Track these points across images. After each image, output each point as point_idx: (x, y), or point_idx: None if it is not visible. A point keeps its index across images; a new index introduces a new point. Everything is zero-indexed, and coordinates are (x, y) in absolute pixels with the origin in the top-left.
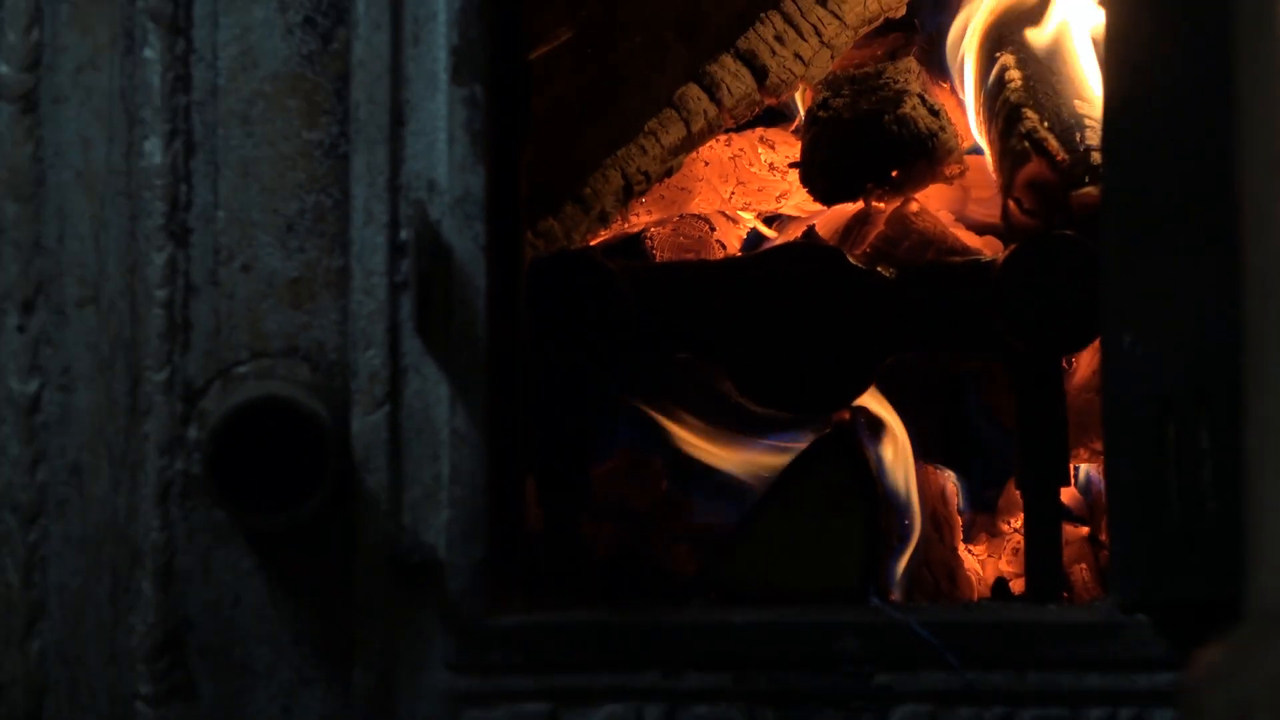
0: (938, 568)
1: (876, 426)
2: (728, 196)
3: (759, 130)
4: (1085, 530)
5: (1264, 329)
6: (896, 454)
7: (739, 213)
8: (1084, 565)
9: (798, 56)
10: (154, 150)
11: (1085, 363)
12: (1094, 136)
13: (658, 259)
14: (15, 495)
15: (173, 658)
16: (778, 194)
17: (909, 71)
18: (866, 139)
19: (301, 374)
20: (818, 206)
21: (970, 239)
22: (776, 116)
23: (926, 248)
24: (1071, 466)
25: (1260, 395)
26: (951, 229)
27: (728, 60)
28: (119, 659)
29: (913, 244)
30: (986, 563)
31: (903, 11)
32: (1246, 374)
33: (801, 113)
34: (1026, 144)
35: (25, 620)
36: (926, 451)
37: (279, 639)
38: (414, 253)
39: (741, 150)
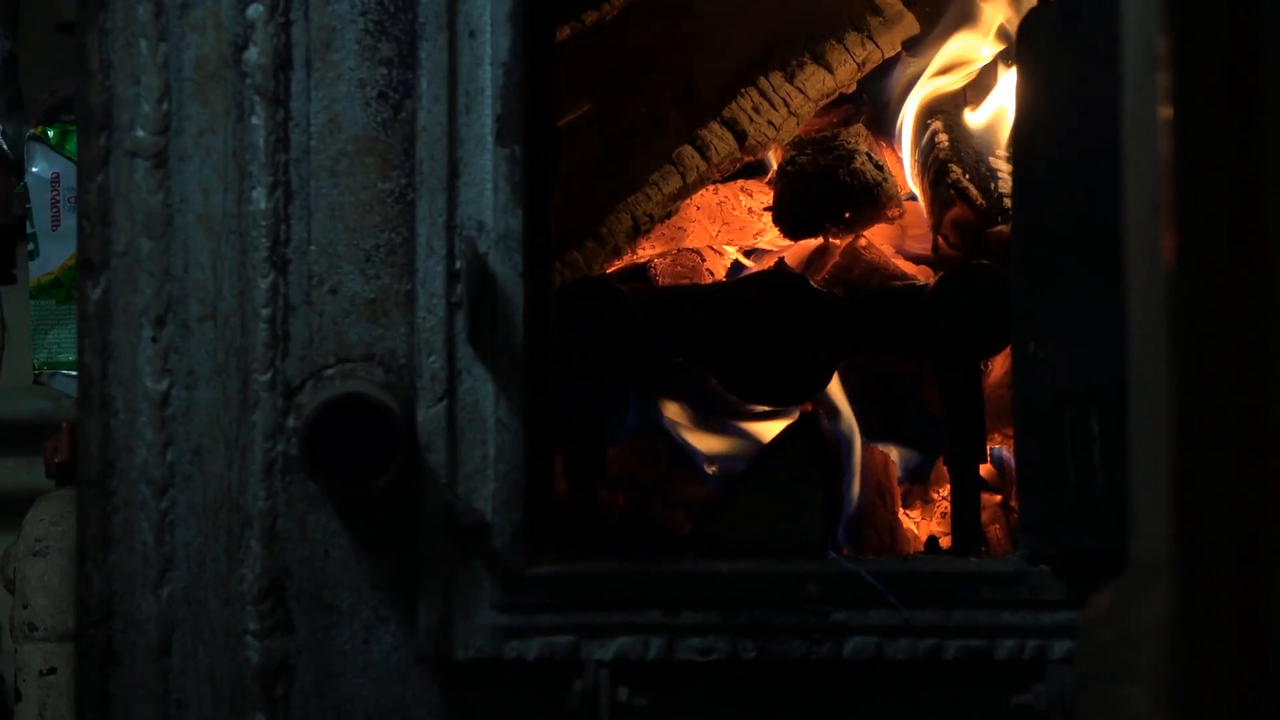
0: (881, 528)
1: (834, 414)
2: (715, 234)
3: (740, 181)
4: (999, 498)
5: (1143, 337)
6: (850, 437)
7: (724, 247)
8: (998, 526)
9: (770, 123)
10: (260, 198)
11: (998, 365)
12: (1005, 186)
13: (659, 284)
14: (150, 472)
15: (275, 600)
16: (755, 232)
17: (858, 135)
18: (825, 188)
19: (377, 375)
20: (786, 242)
21: (908, 267)
22: (754, 170)
23: (873, 274)
24: (988, 448)
25: (1139, 391)
26: (893, 259)
27: (715, 126)
28: (232, 602)
29: (862, 271)
30: (920, 524)
31: (853, 88)
32: (1129, 374)
33: (773, 167)
34: (952, 192)
35: (158, 571)
36: (873, 435)
37: (359, 585)
38: (466, 279)
39: (726, 197)
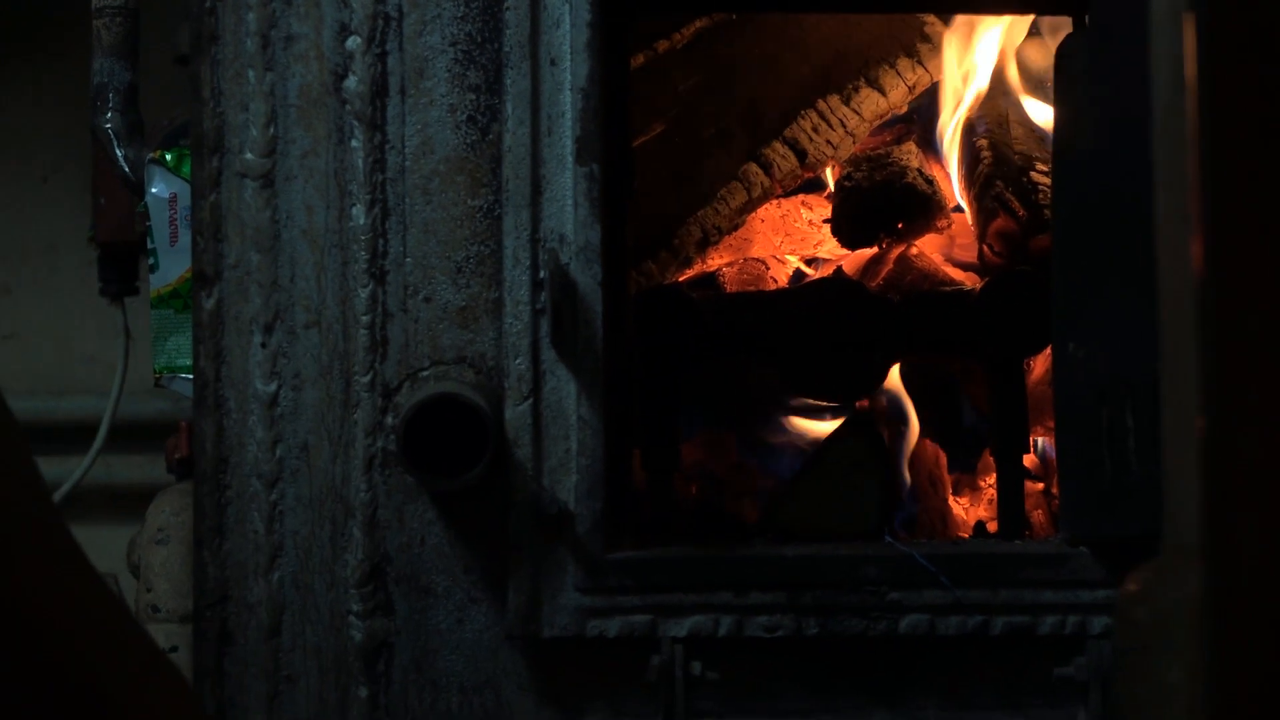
0: (933, 514)
1: (893, 410)
2: (778, 244)
3: (801, 196)
4: (1041, 486)
5: (1175, 338)
6: (908, 431)
7: (786, 256)
8: (1040, 511)
9: (829, 142)
10: (359, 214)
11: (1040, 364)
12: (1045, 198)
13: (727, 291)
14: (260, 467)
15: (376, 584)
16: (815, 242)
17: (909, 152)
18: (879, 201)
19: (468, 377)
20: (843, 251)
21: (956, 274)
22: (813, 185)
23: (924, 281)
24: (1031, 440)
25: (1171, 387)
26: (942, 267)
27: (778, 145)
28: (336, 585)
29: (914, 278)
30: (969, 510)
31: (905, 109)
32: (1161, 371)
33: (831, 183)
34: (996, 204)
35: (269, 557)
36: (926, 429)
37: (453, 570)
38: (549, 287)
39: (788, 211)
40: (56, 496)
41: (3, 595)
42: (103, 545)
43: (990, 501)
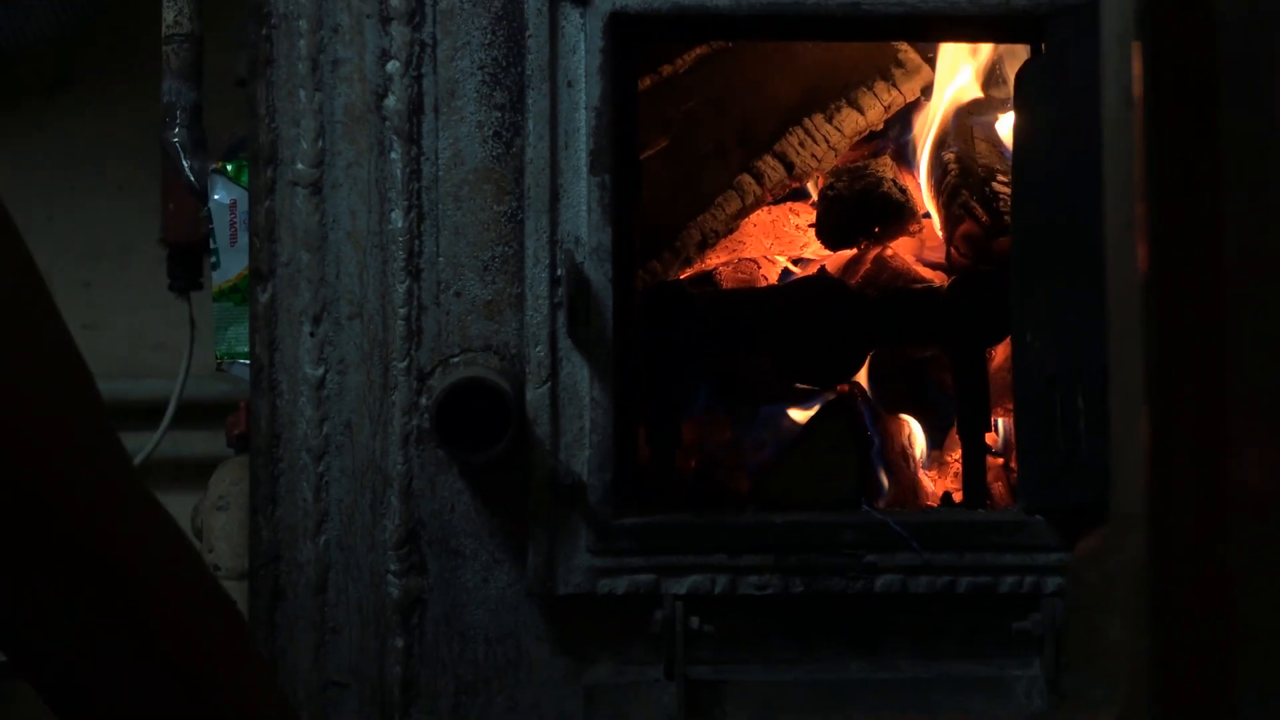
0: (905, 486)
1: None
2: (768, 246)
3: (789, 203)
4: (1001, 461)
5: (1120, 331)
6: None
7: (776, 257)
8: (1001, 483)
9: (814, 156)
10: (397, 218)
11: (1000, 352)
12: (1006, 206)
13: (723, 287)
14: (309, 442)
15: (411, 547)
16: (801, 244)
17: (885, 165)
18: (858, 208)
19: (493, 363)
20: (826, 252)
21: (926, 273)
22: (800, 194)
23: (898, 279)
24: (992, 419)
25: (1118, 375)
26: (914, 266)
27: (768, 158)
28: (376, 547)
29: (889, 276)
30: (937, 482)
31: (881, 127)
32: (1109, 359)
33: (815, 192)
34: (962, 211)
35: (316, 522)
36: (899, 409)
37: (480, 534)
38: (566, 284)
39: (777, 216)
40: None
41: (82, 532)
42: (170, 511)
43: (956, 475)
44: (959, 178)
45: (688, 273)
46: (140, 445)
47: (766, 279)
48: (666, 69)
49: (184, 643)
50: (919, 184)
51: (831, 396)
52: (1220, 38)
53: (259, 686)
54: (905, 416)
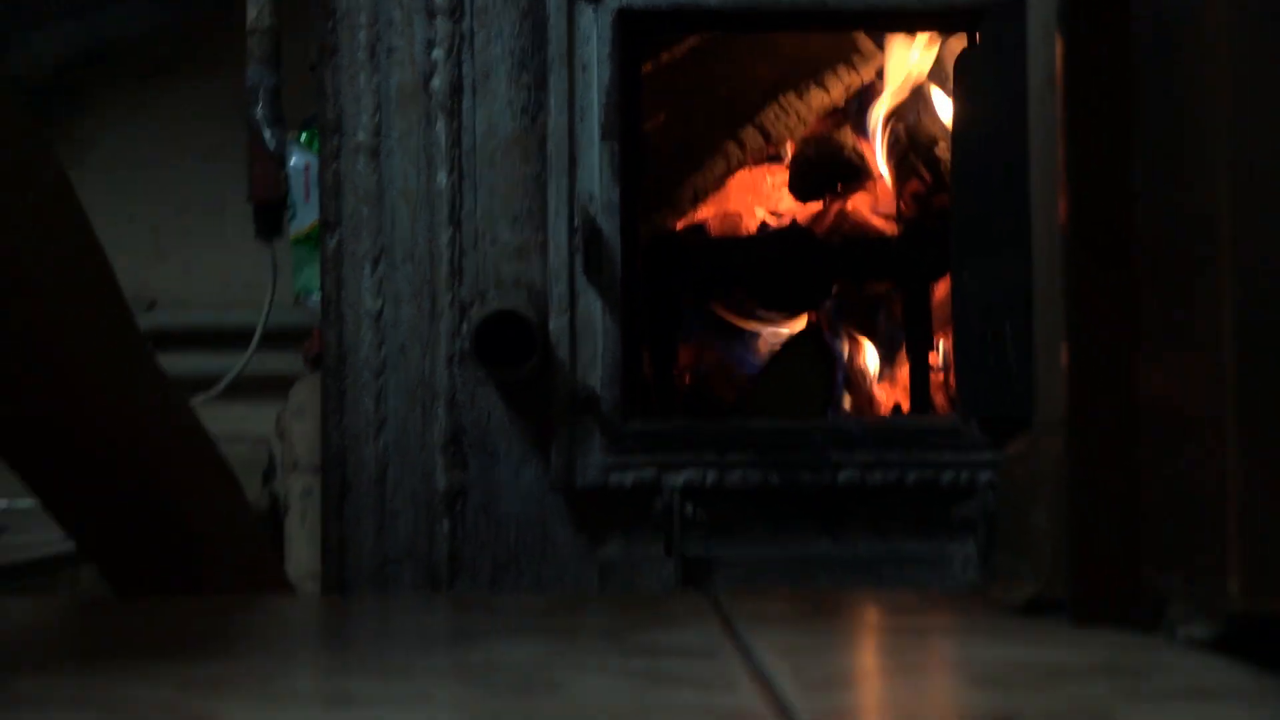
0: (863, 397)
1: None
2: (749, 201)
3: (766, 165)
4: (942, 376)
5: (1042, 274)
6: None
7: (755, 210)
8: (941, 395)
9: (787, 127)
10: (442, 179)
11: (942, 288)
12: (946, 168)
13: (712, 235)
14: (370, 362)
15: (455, 448)
16: (776, 200)
17: (846, 134)
18: (824, 170)
19: (522, 297)
20: (798, 206)
21: (880, 224)
22: (775, 158)
23: (856, 228)
24: (935, 342)
25: (1041, 309)
26: (870, 218)
27: (750, 129)
28: (426, 448)
29: (849, 226)
30: (889, 394)
31: (843, 104)
32: (1034, 291)
33: (788, 156)
34: (910, 172)
35: (375, 428)
36: (858, 334)
37: (511, 438)
38: (581, 232)
39: (757, 177)
40: (224, 384)
41: (104, 402)
42: (259, 418)
43: (904, 388)
44: (907, 145)
45: (682, 223)
46: (232, 364)
47: (748, 229)
48: (665, 56)
49: (179, 491)
50: (874, 150)
51: (802, 324)
52: (1132, 27)
53: (248, 537)
54: (863, 340)
